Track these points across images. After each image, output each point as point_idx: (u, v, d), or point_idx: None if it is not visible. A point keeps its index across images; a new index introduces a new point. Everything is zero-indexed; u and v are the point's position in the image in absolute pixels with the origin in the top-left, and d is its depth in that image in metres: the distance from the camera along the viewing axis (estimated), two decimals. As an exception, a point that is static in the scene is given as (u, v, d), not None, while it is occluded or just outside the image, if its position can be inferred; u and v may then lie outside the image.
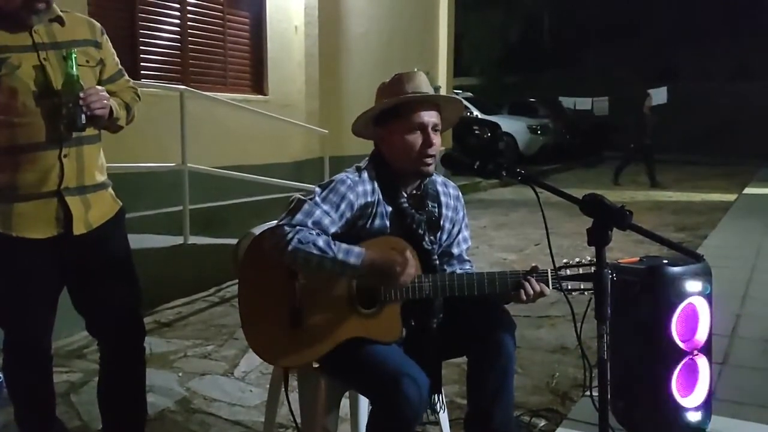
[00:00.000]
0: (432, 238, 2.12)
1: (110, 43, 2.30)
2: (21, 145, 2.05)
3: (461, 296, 2.03)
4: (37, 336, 2.28)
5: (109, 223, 2.26)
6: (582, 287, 2.03)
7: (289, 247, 1.89)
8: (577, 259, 2.06)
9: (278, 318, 2.02)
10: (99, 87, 2.13)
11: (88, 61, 2.16)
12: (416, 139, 2.05)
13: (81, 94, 2.03)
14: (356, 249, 1.93)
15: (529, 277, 2.03)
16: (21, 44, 2.06)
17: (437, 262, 2.11)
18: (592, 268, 1.98)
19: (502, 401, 2.08)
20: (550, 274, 2.04)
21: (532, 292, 2.01)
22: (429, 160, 2.07)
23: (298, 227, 1.92)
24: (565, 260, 2.07)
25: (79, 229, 2.15)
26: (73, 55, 2.05)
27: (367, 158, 2.15)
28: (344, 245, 1.93)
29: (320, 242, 1.90)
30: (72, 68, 2.03)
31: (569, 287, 2.03)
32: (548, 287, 2.04)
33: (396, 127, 2.06)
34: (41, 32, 2.10)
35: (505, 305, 2.15)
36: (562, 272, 2.04)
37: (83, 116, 2.04)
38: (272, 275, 2.02)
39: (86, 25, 2.23)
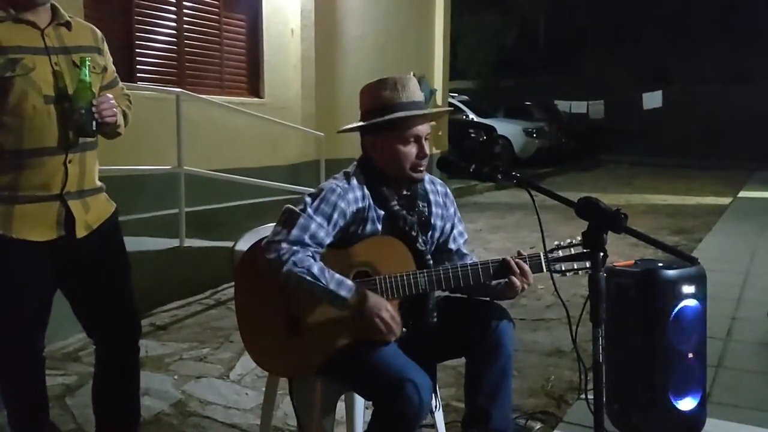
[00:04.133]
0: (425, 238, 2.13)
1: (108, 51, 2.33)
2: (27, 150, 2.06)
3: (457, 287, 2.04)
4: (30, 338, 2.28)
5: (106, 223, 2.28)
6: (575, 267, 2.05)
7: (284, 268, 1.91)
8: (569, 240, 2.06)
9: (276, 326, 2.02)
10: (109, 95, 2.16)
11: (94, 68, 2.18)
12: (411, 149, 2.06)
13: (94, 101, 2.06)
14: (348, 282, 1.94)
15: (517, 259, 2.05)
16: (33, 46, 2.07)
17: (431, 262, 2.12)
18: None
19: (500, 401, 2.09)
20: (542, 257, 2.05)
21: (517, 270, 2.03)
22: (421, 168, 2.09)
23: (294, 248, 1.93)
24: (556, 242, 2.08)
25: (81, 232, 2.17)
26: (87, 62, 2.07)
27: (354, 163, 2.15)
28: (337, 276, 1.94)
29: (315, 269, 1.92)
30: (86, 75, 2.06)
31: (563, 268, 2.05)
32: (543, 270, 2.07)
33: (389, 137, 2.06)
34: (51, 36, 2.11)
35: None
36: (555, 254, 2.06)
37: (94, 123, 2.07)
38: (268, 284, 2.02)
39: (90, 32, 2.26)
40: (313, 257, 1.95)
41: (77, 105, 2.05)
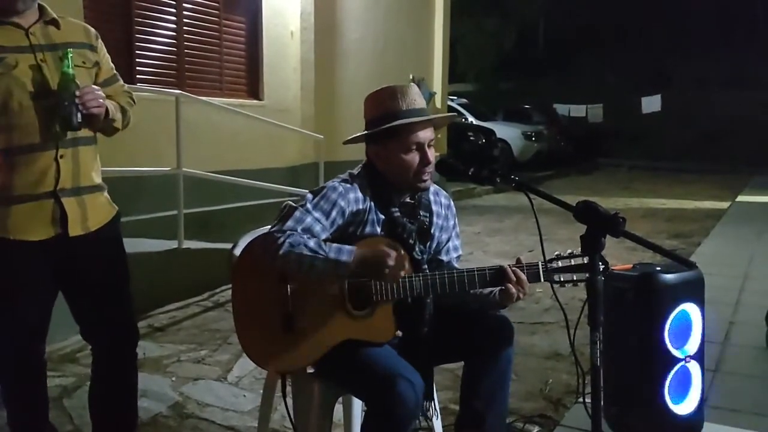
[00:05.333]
0: (422, 247, 2.13)
1: (105, 49, 2.31)
2: (17, 147, 2.05)
3: (452, 293, 2.03)
4: (31, 339, 2.27)
5: (106, 227, 2.27)
6: (575, 278, 2.02)
7: (281, 251, 1.90)
8: (569, 251, 2.04)
9: (271, 323, 2.02)
10: (95, 86, 2.13)
11: (84, 63, 2.17)
12: (414, 157, 2.05)
13: (77, 92, 2.04)
14: (347, 247, 1.95)
15: (514, 267, 2.03)
16: (17, 45, 2.07)
17: (427, 271, 2.11)
18: (584, 259, 1.99)
19: (496, 406, 2.08)
20: (540, 267, 2.03)
21: (514, 278, 2.00)
22: (426, 176, 2.08)
23: (288, 232, 1.93)
24: (556, 252, 2.06)
25: (75, 230, 2.15)
26: (70, 55, 2.06)
27: (360, 166, 2.15)
28: (335, 244, 1.95)
29: (311, 243, 1.92)
30: (68, 67, 2.04)
31: (561, 279, 2.02)
32: (540, 280, 2.04)
33: (392, 146, 2.06)
34: (38, 34, 2.11)
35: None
36: (554, 264, 2.03)
37: (79, 114, 2.05)
38: (264, 281, 2.02)
39: (82, 30, 2.25)
40: (308, 237, 1.94)
41: (60, 97, 2.04)
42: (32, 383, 2.34)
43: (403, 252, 1.99)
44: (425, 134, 2.07)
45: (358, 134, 2.12)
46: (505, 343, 2.08)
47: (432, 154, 2.08)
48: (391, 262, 1.92)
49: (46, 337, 2.32)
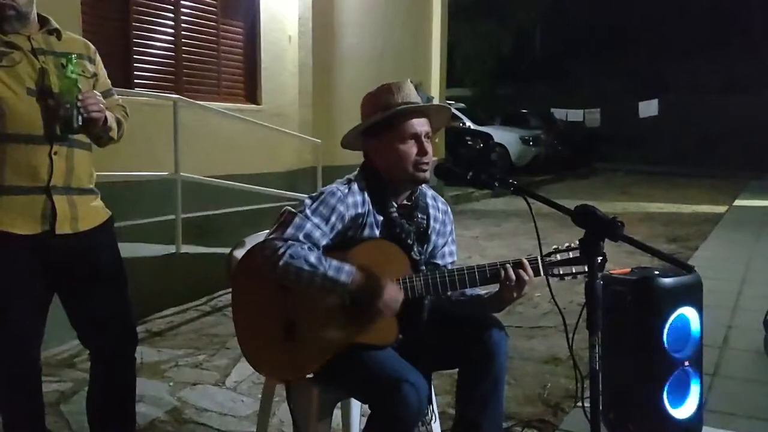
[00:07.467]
0: (420, 248, 2.13)
1: (102, 64, 2.36)
2: (11, 134, 2.06)
3: (453, 290, 2.04)
4: (25, 344, 2.25)
5: (98, 230, 2.26)
6: (574, 271, 2.01)
7: (281, 262, 1.90)
8: (567, 244, 2.03)
9: (272, 331, 2.02)
10: (96, 92, 2.17)
11: (83, 72, 2.21)
12: (410, 148, 2.06)
13: (79, 96, 2.08)
14: (347, 267, 1.94)
15: (508, 265, 2.01)
16: (21, 45, 2.11)
17: (427, 272, 2.11)
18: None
19: (490, 412, 2.07)
20: (540, 261, 2.02)
21: (513, 276, 1.99)
22: (424, 167, 2.08)
23: (289, 242, 1.93)
24: (554, 246, 2.05)
25: (63, 228, 2.14)
26: (74, 60, 2.09)
27: (358, 169, 2.16)
28: (335, 262, 1.93)
29: (311, 258, 1.91)
30: (71, 72, 2.08)
31: (561, 272, 2.01)
32: (540, 274, 2.03)
33: (388, 138, 2.07)
34: (39, 40, 2.16)
35: (497, 313, 2.15)
36: (552, 258, 2.02)
37: (80, 118, 2.08)
38: (264, 288, 2.02)
39: (82, 44, 2.30)
40: (309, 249, 1.94)
41: (63, 100, 2.07)
42: (28, 390, 2.32)
43: (398, 288, 1.97)
44: (421, 125, 2.08)
45: (355, 127, 2.12)
46: (498, 350, 2.06)
47: (430, 148, 2.09)
48: (386, 297, 1.93)
49: (41, 341, 2.31)
